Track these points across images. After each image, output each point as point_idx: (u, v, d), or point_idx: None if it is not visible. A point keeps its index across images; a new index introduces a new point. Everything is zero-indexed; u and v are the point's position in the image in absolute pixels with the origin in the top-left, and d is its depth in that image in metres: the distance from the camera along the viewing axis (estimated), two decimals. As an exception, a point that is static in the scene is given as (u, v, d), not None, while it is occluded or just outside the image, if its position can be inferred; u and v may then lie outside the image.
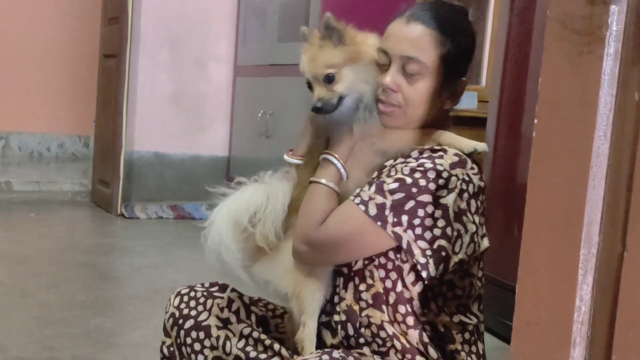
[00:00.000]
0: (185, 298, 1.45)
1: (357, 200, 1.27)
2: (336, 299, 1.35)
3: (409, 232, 1.25)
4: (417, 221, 1.25)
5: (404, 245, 1.26)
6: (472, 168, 1.30)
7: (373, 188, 1.27)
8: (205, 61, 4.97)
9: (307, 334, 1.33)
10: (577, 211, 0.79)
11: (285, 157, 1.44)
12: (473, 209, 1.29)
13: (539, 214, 0.84)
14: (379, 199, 1.25)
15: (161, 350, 1.48)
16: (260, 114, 4.53)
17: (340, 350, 1.28)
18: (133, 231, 4.16)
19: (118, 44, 4.50)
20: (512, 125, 2.57)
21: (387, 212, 1.24)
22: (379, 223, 1.24)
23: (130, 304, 2.78)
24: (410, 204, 1.24)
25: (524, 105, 2.47)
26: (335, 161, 1.33)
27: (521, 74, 2.51)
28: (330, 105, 1.30)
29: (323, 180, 1.32)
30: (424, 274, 1.26)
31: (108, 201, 4.59)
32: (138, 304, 2.77)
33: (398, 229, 1.24)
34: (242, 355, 1.37)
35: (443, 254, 1.25)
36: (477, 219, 1.30)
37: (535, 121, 0.84)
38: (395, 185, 1.25)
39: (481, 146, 1.30)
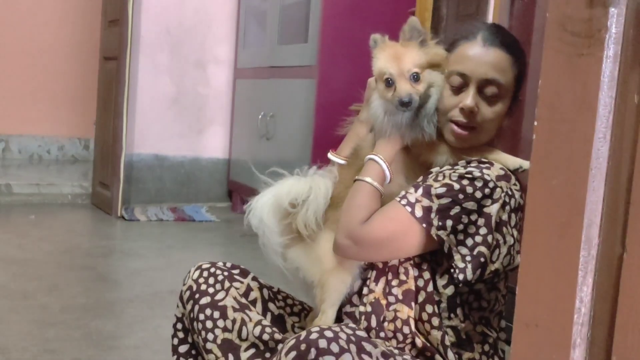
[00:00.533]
0: (205, 273, 1.46)
1: (404, 201, 1.30)
2: (365, 290, 1.39)
3: (452, 236, 1.28)
4: (460, 227, 1.28)
5: (445, 249, 1.29)
6: (515, 184, 1.33)
7: (420, 191, 1.30)
8: (205, 63, 4.98)
9: (324, 321, 1.36)
10: (576, 213, 0.79)
11: (330, 155, 1.50)
12: (512, 223, 1.32)
13: (539, 216, 0.84)
14: (426, 202, 1.28)
15: (175, 316, 1.51)
16: (260, 116, 4.53)
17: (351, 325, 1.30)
18: (133, 233, 4.16)
19: (118, 46, 4.50)
20: (513, 128, 2.57)
21: (432, 215, 1.28)
22: (424, 225, 1.28)
23: (130, 306, 2.78)
24: (456, 209, 1.27)
25: (524, 108, 2.47)
26: (381, 162, 1.37)
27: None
28: (415, 102, 1.32)
29: (368, 179, 1.35)
30: (460, 277, 1.28)
31: (108, 203, 4.59)
32: (138, 307, 2.77)
33: (442, 233, 1.28)
34: (260, 344, 1.38)
35: (482, 260, 1.28)
36: (515, 233, 1.32)
37: (535, 123, 0.84)
38: (443, 190, 1.28)
39: (526, 164, 1.32)
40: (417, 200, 1.29)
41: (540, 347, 0.84)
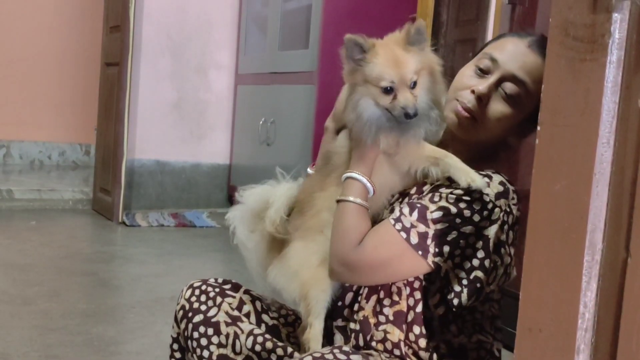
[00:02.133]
0: (197, 292, 1.46)
1: (398, 226, 1.23)
2: (356, 306, 1.35)
3: (449, 262, 1.23)
4: (457, 251, 1.23)
5: (442, 274, 1.25)
6: (513, 198, 1.27)
7: (415, 214, 1.23)
8: (206, 69, 4.98)
9: (313, 334, 1.34)
10: (580, 218, 0.79)
11: (309, 170, 1.48)
12: (510, 241, 1.26)
13: (542, 221, 0.84)
14: (422, 228, 1.22)
15: (171, 337, 1.50)
16: (261, 122, 4.54)
17: (350, 347, 1.28)
18: (134, 239, 4.16)
19: (120, 52, 4.51)
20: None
21: (429, 241, 1.22)
22: (420, 252, 1.22)
23: (131, 312, 2.78)
24: (453, 234, 1.22)
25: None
26: (359, 177, 1.30)
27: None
28: (417, 112, 1.24)
29: (350, 198, 1.29)
30: (454, 302, 1.24)
31: (109, 209, 4.59)
32: (139, 313, 2.77)
33: (438, 260, 1.23)
34: (254, 357, 1.37)
35: (478, 285, 1.24)
36: (511, 250, 1.27)
37: (538, 128, 0.84)
38: (439, 214, 1.22)
39: (477, 184, 1.21)
40: (413, 226, 1.22)
41: (543, 352, 0.83)
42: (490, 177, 1.26)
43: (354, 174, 1.31)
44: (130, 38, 4.44)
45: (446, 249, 1.22)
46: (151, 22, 4.75)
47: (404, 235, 1.23)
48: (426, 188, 1.30)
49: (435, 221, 1.22)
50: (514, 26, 2.57)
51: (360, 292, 1.35)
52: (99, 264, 3.54)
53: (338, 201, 1.32)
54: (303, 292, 1.34)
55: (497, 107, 1.29)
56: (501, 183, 1.25)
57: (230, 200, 5.10)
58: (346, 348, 1.25)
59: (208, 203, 5.09)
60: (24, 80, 6.20)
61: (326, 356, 1.20)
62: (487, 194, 1.22)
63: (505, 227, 1.25)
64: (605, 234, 0.79)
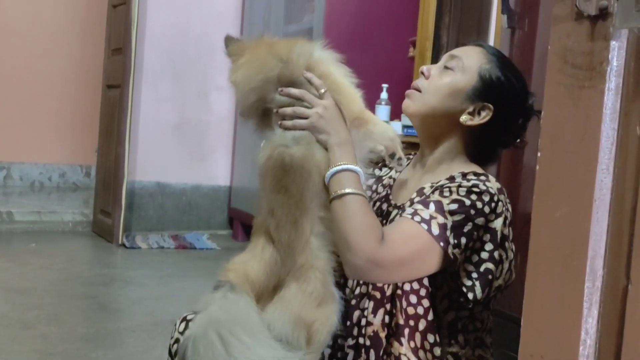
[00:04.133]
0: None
1: (417, 218, 1.25)
2: (363, 321, 1.35)
3: (463, 255, 1.27)
4: (471, 244, 1.27)
5: (456, 267, 1.28)
6: (507, 197, 1.34)
7: (432, 207, 1.26)
8: (207, 91, 5.01)
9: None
10: (581, 244, 0.79)
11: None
12: (510, 237, 1.32)
13: (543, 247, 0.84)
14: (441, 219, 1.25)
15: None
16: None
17: None
18: (134, 262, 4.15)
19: (121, 74, 4.53)
20: (514, 156, 2.58)
21: (448, 232, 1.25)
22: (441, 243, 1.24)
23: (131, 336, 2.76)
24: (469, 226, 1.26)
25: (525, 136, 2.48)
26: (344, 167, 1.29)
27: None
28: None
29: (349, 190, 1.27)
30: (470, 296, 1.27)
31: (109, 231, 4.58)
32: (139, 337, 2.75)
33: (457, 251, 1.25)
34: None
35: (489, 277, 1.28)
36: (513, 247, 1.33)
37: (539, 154, 0.85)
38: (455, 206, 1.26)
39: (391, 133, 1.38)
40: (432, 217, 1.24)
41: (546, 379, 0.83)
42: (487, 176, 1.34)
43: (343, 166, 1.29)
44: (132, 60, 4.47)
45: (463, 240, 1.25)
46: (153, 45, 4.78)
47: (424, 226, 1.24)
48: (427, 191, 1.34)
49: (452, 213, 1.26)
50: (513, 50, 2.59)
51: (366, 306, 1.35)
52: (98, 287, 3.53)
53: (334, 199, 1.28)
54: (310, 335, 1.30)
55: (437, 78, 1.41)
56: (497, 181, 1.34)
57: (231, 223, 5.10)
58: None
59: (208, 225, 5.08)
60: (25, 102, 6.23)
61: None
62: (491, 187, 1.29)
63: (507, 222, 1.30)
64: (605, 260, 0.79)
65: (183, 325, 1.45)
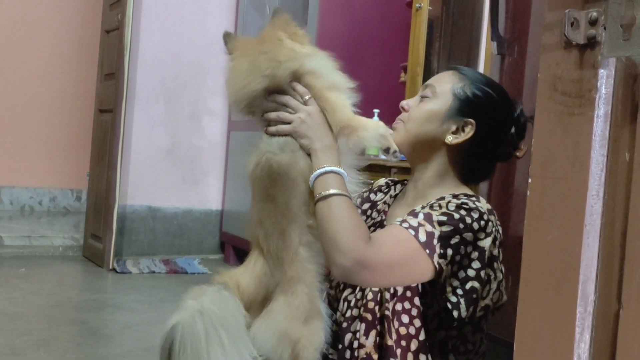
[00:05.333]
0: None
1: (406, 224, 1.28)
2: (355, 344, 1.35)
3: (449, 267, 1.27)
4: (457, 257, 1.27)
5: (441, 280, 1.28)
6: (497, 219, 1.36)
7: (421, 216, 1.29)
8: (199, 115, 5.02)
9: None
10: (572, 269, 0.80)
11: None
12: (500, 258, 1.33)
13: (535, 272, 0.84)
14: (429, 227, 1.27)
15: None
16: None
17: None
18: (125, 286, 4.12)
19: (114, 99, 4.54)
20: (505, 181, 2.60)
21: (435, 241, 1.26)
22: (427, 251, 1.25)
23: (121, 361, 2.74)
24: (456, 239, 1.27)
25: (516, 162, 2.50)
26: (328, 169, 1.31)
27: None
28: None
29: (333, 191, 1.28)
30: (454, 314, 1.27)
31: (100, 256, 4.56)
32: (130, 362, 2.73)
33: (442, 262, 1.26)
34: None
35: (474, 296, 1.28)
36: (502, 268, 1.34)
37: (530, 180, 0.86)
38: (444, 218, 1.28)
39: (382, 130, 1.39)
40: (420, 225, 1.27)
41: (539, 404, 0.83)
42: (478, 198, 1.36)
43: (326, 168, 1.31)
44: (124, 85, 4.48)
45: (449, 252, 1.26)
46: (145, 70, 4.80)
47: (412, 232, 1.26)
48: (418, 210, 1.34)
49: (440, 223, 1.27)
50: (503, 76, 2.62)
51: (358, 329, 1.35)
52: (88, 312, 3.50)
53: (319, 200, 1.29)
54: (295, 352, 1.31)
55: (414, 106, 1.47)
56: (487, 203, 1.36)
57: (222, 247, 5.08)
58: None
59: (200, 249, 5.06)
60: (16, 126, 6.22)
61: None
62: (481, 207, 1.31)
63: (497, 242, 1.32)
64: (597, 285, 0.79)
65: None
